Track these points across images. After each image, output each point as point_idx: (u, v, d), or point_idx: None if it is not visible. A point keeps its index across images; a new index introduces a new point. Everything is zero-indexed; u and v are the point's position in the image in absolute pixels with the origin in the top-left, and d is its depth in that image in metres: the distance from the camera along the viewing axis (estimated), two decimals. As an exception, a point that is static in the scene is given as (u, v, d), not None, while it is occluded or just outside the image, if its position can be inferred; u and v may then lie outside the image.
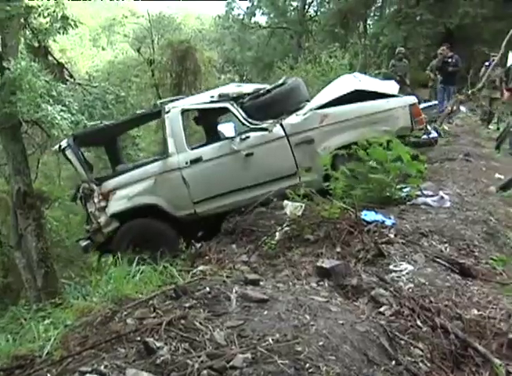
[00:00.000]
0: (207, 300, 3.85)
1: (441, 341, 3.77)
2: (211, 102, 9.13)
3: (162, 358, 3.14)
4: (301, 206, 6.10)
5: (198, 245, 7.30)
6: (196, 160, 8.82)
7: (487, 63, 18.03)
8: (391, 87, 9.76)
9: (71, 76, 18.42)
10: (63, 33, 16.56)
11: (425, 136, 9.20)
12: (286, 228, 5.82)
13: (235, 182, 8.71)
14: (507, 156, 12.61)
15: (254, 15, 41.53)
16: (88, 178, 9.03)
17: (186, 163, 8.82)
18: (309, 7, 42.58)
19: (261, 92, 9.31)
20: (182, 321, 3.53)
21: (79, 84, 17.95)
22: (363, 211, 5.73)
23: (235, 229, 7.06)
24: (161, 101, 9.96)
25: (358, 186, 6.50)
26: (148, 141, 23.85)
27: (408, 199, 6.66)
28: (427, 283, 4.45)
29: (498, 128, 17.05)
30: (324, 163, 7.45)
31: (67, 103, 14.15)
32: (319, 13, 42.14)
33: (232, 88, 9.69)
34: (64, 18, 16.06)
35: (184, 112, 9.20)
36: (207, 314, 3.65)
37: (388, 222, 5.53)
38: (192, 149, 9.14)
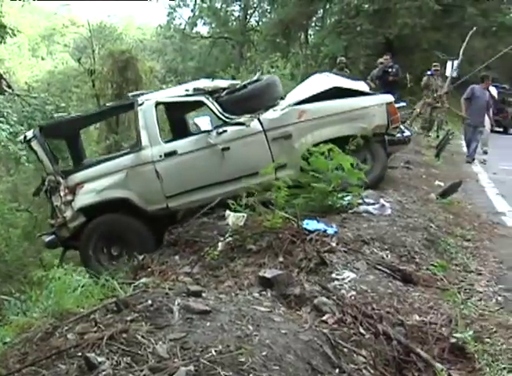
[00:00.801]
0: (149, 313, 3.80)
1: (383, 347, 3.81)
2: (186, 95, 9.03)
3: (104, 373, 3.08)
4: (243, 216, 6.10)
5: (141, 257, 7.21)
6: (170, 154, 8.65)
7: (429, 72, 18.38)
8: (363, 86, 9.93)
9: (9, 86, 18.11)
10: (1, 42, 16.29)
11: (399, 135, 9.50)
12: (229, 238, 5.81)
13: (210, 177, 8.57)
14: (447, 163, 12.89)
15: (196, 25, 41.57)
16: (55, 171, 8.74)
17: (160, 156, 8.64)
18: (251, 17, 42.80)
19: (238, 86, 9.34)
20: (124, 335, 3.46)
21: (17, 95, 17.61)
22: (305, 220, 5.75)
23: (178, 241, 7.00)
24: (132, 94, 9.72)
25: (300, 196, 6.54)
26: (89, 152, 23.55)
27: (349, 207, 6.72)
28: (369, 290, 4.50)
29: (437, 136, 17.44)
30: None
31: (5, 114, 13.90)
32: (260, 23, 42.38)
33: (207, 83, 9.57)
34: (1, 27, 15.81)
35: (158, 105, 9.02)
36: (149, 327, 3.59)
37: (330, 231, 5.57)
38: (167, 142, 8.96)
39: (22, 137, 9.19)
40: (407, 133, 9.92)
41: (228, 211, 6.46)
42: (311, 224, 5.62)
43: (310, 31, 39.57)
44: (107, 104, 11.23)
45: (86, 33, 30.27)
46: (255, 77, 9.67)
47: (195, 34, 41.22)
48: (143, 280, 5.49)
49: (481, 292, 5.19)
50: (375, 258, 5.18)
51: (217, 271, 5.30)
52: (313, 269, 4.81)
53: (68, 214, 8.61)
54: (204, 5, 41.82)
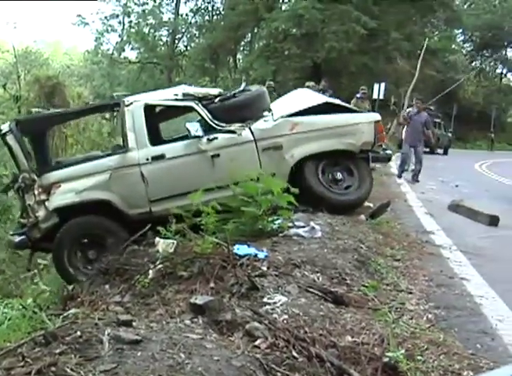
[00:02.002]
0: (78, 344, 3.69)
1: (317, 370, 3.79)
2: (176, 99, 8.94)
3: (31, 409, 2.99)
4: (173, 243, 6.05)
5: (70, 287, 7.06)
6: (158, 157, 8.53)
7: (358, 95, 18.75)
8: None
9: None
10: None
11: (382, 152, 9.79)
12: (160, 265, 5.74)
13: (197, 183, 8.14)
14: (376, 184, 13.09)
15: (124, 50, 41.48)
16: (29, 168, 8.37)
17: (147, 159, 8.49)
18: (179, 42, 42.92)
19: (228, 95, 9.26)
20: (53, 368, 3.36)
21: None
22: (236, 245, 5.73)
23: (108, 269, 6.87)
24: (117, 94, 9.64)
25: (230, 220, 6.53)
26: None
27: (280, 231, 6.72)
28: (301, 313, 4.49)
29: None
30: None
31: None
32: (189, 48, 42.51)
33: (197, 89, 9.60)
34: None
35: (147, 107, 8.81)
36: (78, 359, 3.49)
37: (261, 255, 5.56)
38: (154, 145, 8.75)
39: None
40: (389, 151, 10.24)
41: (157, 238, 6.39)
42: (241, 249, 5.60)
43: (239, 56, 39.96)
44: (90, 103, 10.99)
45: (11, 58, 29.76)
46: (241, 88, 9.64)
47: (123, 60, 41.11)
48: (72, 310, 5.38)
49: (411, 311, 5.24)
50: (306, 281, 5.19)
51: (148, 299, 5.22)
52: (244, 294, 4.78)
53: (41, 214, 8.25)
54: (132, 30, 41.78)
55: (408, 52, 37.31)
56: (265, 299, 4.72)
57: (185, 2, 45.58)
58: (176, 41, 43.36)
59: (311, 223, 6.95)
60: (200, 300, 4.51)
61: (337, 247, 6.33)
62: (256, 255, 5.54)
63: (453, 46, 53.56)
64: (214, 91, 9.68)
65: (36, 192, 8.29)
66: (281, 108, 9.44)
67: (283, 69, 32.56)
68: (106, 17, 43.06)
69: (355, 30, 32.65)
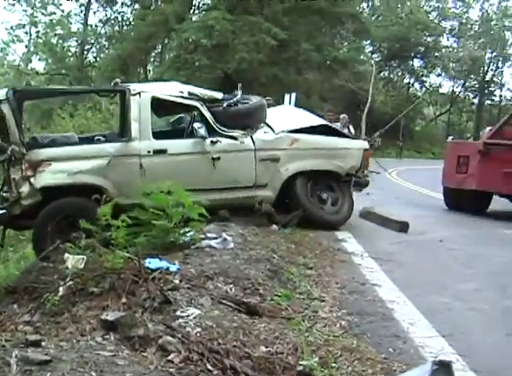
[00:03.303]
0: (-16, 368, 3.58)
1: (232, 382, 3.79)
2: (182, 97, 9.18)
3: None
4: (83, 258, 5.92)
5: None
6: (160, 152, 8.70)
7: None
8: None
9: None
10: None
11: (363, 178, 10.55)
12: (70, 282, 5.60)
13: (195, 182, 8.49)
14: None
15: (31, 61, 40.63)
16: (21, 141, 8.09)
17: (148, 152, 8.62)
18: (88, 53, 42.34)
19: (232, 101, 9.59)
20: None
21: None
22: (147, 258, 5.67)
23: (16, 288, 6.67)
24: (119, 81, 9.54)
25: (141, 234, 6.45)
26: None
27: (192, 243, 6.69)
28: (214, 325, 4.46)
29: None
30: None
31: None
32: (98, 59, 42.02)
33: (202, 90, 9.78)
34: None
35: (154, 99, 8.91)
36: (-16, 384, 3.39)
37: (173, 268, 5.51)
38: (157, 139, 8.86)
39: None
40: (368, 178, 10.92)
41: (66, 254, 6.24)
42: (153, 262, 5.54)
43: (149, 66, 39.70)
44: (91, 86, 10.91)
45: None
46: (238, 96, 9.90)
47: (30, 71, 40.23)
48: (-22, 333, 5.17)
49: (325, 318, 5.30)
50: (219, 293, 5.18)
51: (58, 317, 5.07)
52: (157, 308, 4.72)
53: (24, 190, 8.03)
54: (40, 41, 40.96)
55: (318, 62, 37.93)
56: (177, 313, 4.67)
57: (95, 13, 45.13)
58: (85, 52, 42.79)
59: (224, 234, 6.95)
60: (111, 316, 4.43)
61: (250, 258, 6.34)
62: (168, 268, 5.49)
63: (362, 57, 54.74)
64: (219, 95, 9.89)
65: (23, 167, 8.04)
66: (279, 122, 9.93)
67: (193, 80, 32.44)
68: (11, 27, 42.20)
69: (266, 41, 33.00)
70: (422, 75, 65.75)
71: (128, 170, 8.50)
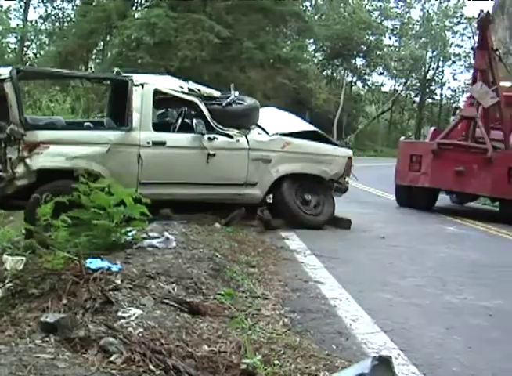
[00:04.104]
0: None
1: (174, 382, 3.77)
2: (182, 92, 9.52)
3: None
4: (22, 260, 5.80)
5: None
6: (158, 143, 9.00)
7: None
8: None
9: None
10: None
11: (343, 184, 11.00)
12: (9, 284, 5.50)
13: (190, 176, 9.18)
14: None
15: (-31, 57, 39.66)
16: (21, 121, 8.07)
17: (148, 143, 8.89)
18: (28, 49, 41.58)
19: (228, 100, 10.02)
20: None
21: None
22: (88, 259, 5.59)
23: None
24: (118, 70, 9.64)
25: (82, 234, 6.36)
26: None
27: (134, 242, 6.63)
28: (156, 325, 4.43)
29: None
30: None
31: None
32: (38, 56, 41.31)
33: (202, 87, 10.06)
34: None
35: (156, 92, 9.23)
36: None
37: (114, 268, 5.45)
38: (156, 130, 9.17)
39: None
40: (348, 185, 11.35)
41: (5, 255, 6.12)
42: (94, 262, 5.46)
43: (91, 64, 39.21)
44: (92, 71, 11.04)
45: None
46: (233, 96, 10.20)
47: (-32, 67, 39.27)
48: None
49: (268, 316, 5.32)
50: (161, 293, 5.14)
51: (-3, 320, 4.99)
52: (98, 309, 4.66)
53: (19, 170, 8.03)
54: (-23, 37, 40.10)
55: (261, 60, 38.02)
56: (119, 313, 4.63)
57: (35, 8, 44.50)
58: (25, 49, 42.06)
59: (166, 233, 6.91)
60: (51, 318, 4.35)
61: (192, 257, 6.32)
62: (109, 268, 5.42)
63: (305, 55, 55.07)
64: (217, 93, 10.30)
65: (20, 147, 8.04)
66: (270, 125, 10.42)
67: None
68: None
69: (209, 39, 32.94)
70: (364, 74, 66.62)
71: (126, 159, 8.73)
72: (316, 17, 60.82)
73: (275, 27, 43.22)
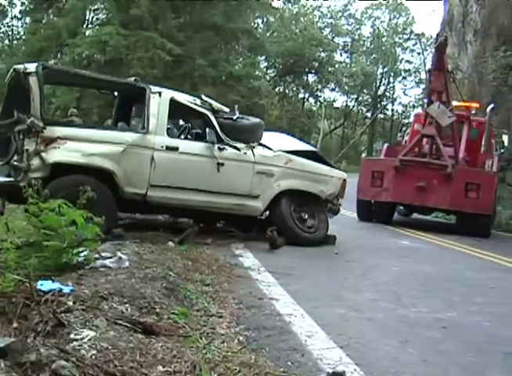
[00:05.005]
0: None
1: (128, 404, 3.73)
2: (195, 104, 10.21)
3: None
4: (-29, 283, 5.70)
5: None
6: (172, 148, 9.54)
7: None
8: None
9: None
10: None
11: (336, 206, 11.62)
12: (-43, 308, 5.38)
13: (198, 182, 9.75)
14: None
15: None
16: (41, 115, 8.46)
17: (162, 147, 9.43)
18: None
19: (235, 117, 10.73)
20: None
21: None
22: (39, 280, 5.50)
23: None
24: (136, 78, 10.24)
25: (33, 255, 6.25)
26: None
27: (86, 263, 6.54)
28: (110, 347, 4.37)
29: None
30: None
31: None
32: (-14, 73, 40.69)
33: (213, 102, 10.60)
34: None
35: (172, 100, 9.82)
36: None
37: (66, 290, 5.36)
38: (170, 137, 9.79)
39: (21, 66, 8.71)
40: (340, 206, 11.92)
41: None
42: (45, 284, 5.37)
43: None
44: (115, 78, 11.96)
45: None
46: (236, 114, 10.87)
47: None
48: None
49: (223, 334, 5.28)
50: (115, 314, 5.07)
51: None
52: (50, 332, 4.58)
53: (34, 163, 8.19)
54: None
55: (213, 78, 38.09)
56: (71, 335, 4.55)
57: (-16, 26, 43.82)
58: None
59: (118, 253, 6.84)
60: (1, 342, 4.26)
61: (146, 276, 6.26)
62: (61, 290, 5.33)
63: (257, 72, 55.39)
64: (226, 109, 10.87)
65: (38, 140, 8.25)
66: (273, 143, 11.13)
67: (87, 96, 32.02)
68: None
69: (160, 56, 32.95)
70: (316, 90, 67.28)
71: (140, 160, 9.19)
72: (268, 34, 61.30)
73: (226, 44, 43.45)
